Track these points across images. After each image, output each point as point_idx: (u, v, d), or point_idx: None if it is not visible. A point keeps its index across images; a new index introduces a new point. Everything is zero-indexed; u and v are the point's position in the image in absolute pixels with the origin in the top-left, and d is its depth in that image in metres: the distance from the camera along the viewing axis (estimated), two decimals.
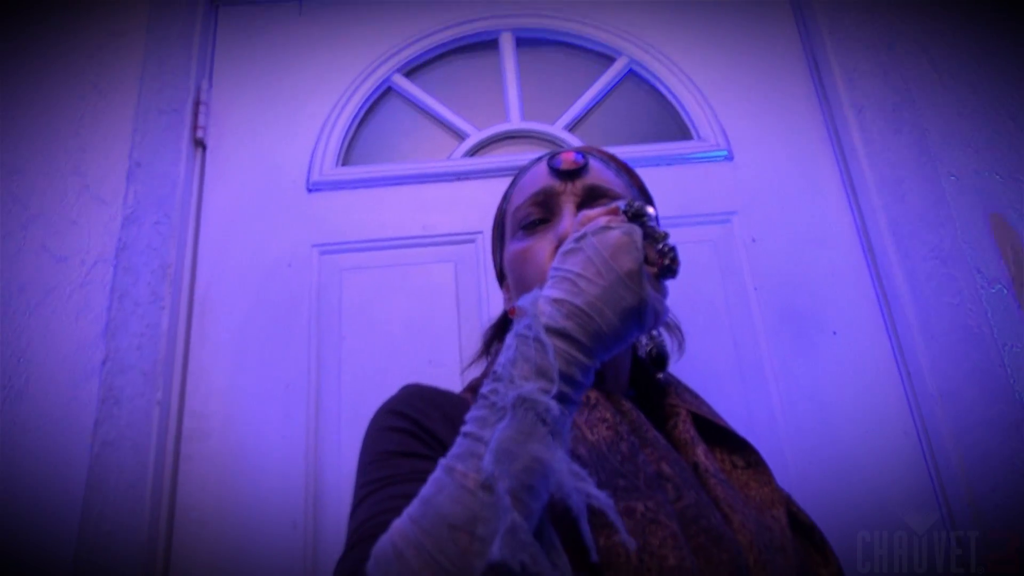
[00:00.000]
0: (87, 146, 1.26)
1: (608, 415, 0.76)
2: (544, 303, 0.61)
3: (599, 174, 0.88)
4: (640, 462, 0.70)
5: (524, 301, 0.62)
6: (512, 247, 0.89)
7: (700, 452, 0.79)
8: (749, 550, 0.69)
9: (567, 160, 0.86)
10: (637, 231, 0.63)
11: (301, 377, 1.30)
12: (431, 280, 1.37)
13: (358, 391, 1.29)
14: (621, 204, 0.67)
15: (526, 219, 0.87)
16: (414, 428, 0.73)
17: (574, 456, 0.69)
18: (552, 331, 0.59)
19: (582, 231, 0.64)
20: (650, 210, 0.66)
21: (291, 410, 1.28)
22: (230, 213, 1.45)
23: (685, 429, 0.82)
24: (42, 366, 1.10)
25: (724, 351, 1.30)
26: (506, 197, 0.97)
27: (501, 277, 0.99)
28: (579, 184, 0.85)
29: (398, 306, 1.35)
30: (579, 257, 0.62)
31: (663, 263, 0.64)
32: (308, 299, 1.36)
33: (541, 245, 0.84)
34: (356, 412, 1.27)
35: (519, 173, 0.95)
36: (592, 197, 0.85)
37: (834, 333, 1.31)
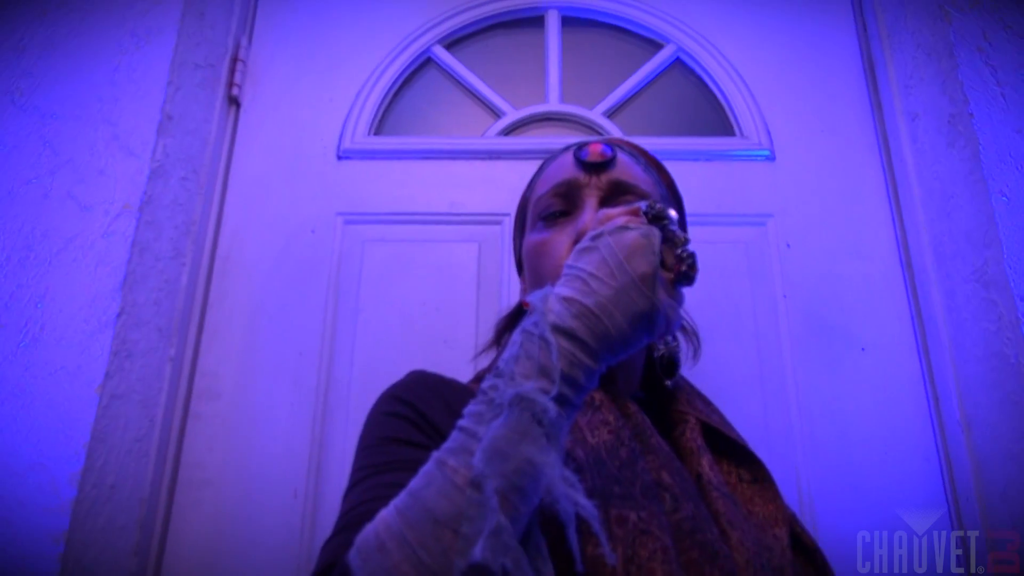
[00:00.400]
0: (120, 96, 1.26)
1: (611, 418, 0.73)
2: (554, 301, 0.59)
3: (626, 169, 0.85)
4: (639, 469, 0.68)
5: (534, 297, 0.60)
6: (531, 238, 0.86)
7: (705, 463, 0.76)
8: (745, 569, 0.66)
9: (594, 152, 0.83)
10: (656, 234, 0.61)
11: (314, 345, 1.29)
12: (454, 259, 1.35)
13: (370, 365, 1.28)
14: (643, 205, 0.64)
15: (546, 210, 0.84)
16: (415, 416, 0.72)
17: (571, 459, 0.67)
18: (559, 330, 0.57)
19: (599, 230, 0.62)
20: (672, 213, 0.64)
21: (302, 378, 1.27)
22: (259, 174, 1.44)
23: (692, 438, 0.80)
24: (59, 314, 1.10)
25: (746, 358, 1.26)
26: (530, 185, 0.95)
27: (520, 266, 0.97)
28: (604, 178, 0.83)
29: (418, 283, 1.33)
30: (594, 256, 0.60)
31: (680, 269, 0.62)
32: (328, 267, 1.35)
33: (560, 239, 0.82)
34: (366, 386, 1.26)
35: (546, 161, 0.93)
36: (617, 192, 0.82)
37: (862, 349, 1.26)
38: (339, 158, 1.44)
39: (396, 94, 1.54)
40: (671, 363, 0.95)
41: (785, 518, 0.75)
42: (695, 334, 1.02)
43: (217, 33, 1.45)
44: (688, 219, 1.34)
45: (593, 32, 1.60)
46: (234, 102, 1.49)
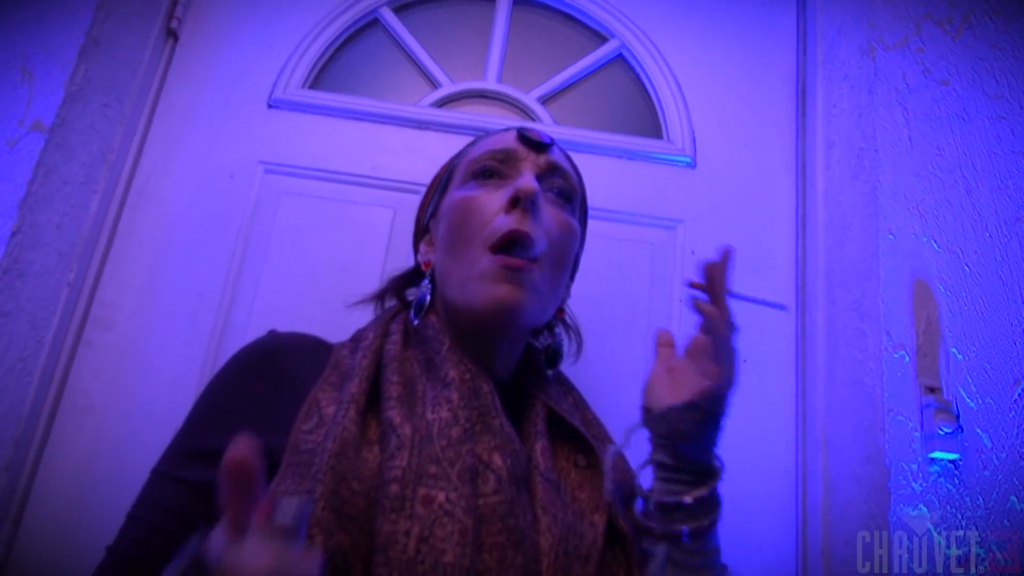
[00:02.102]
0: (46, 13, 1.24)
1: (455, 396, 0.76)
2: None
3: (561, 158, 0.90)
4: (464, 451, 0.71)
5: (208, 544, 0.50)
6: (458, 193, 0.88)
7: (538, 447, 0.80)
8: (547, 553, 0.70)
9: (537, 133, 0.88)
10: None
11: (216, 289, 1.30)
12: (367, 222, 1.36)
13: (269, 316, 1.29)
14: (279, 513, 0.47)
15: (482, 169, 0.87)
16: (249, 394, 0.77)
17: (396, 435, 0.70)
18: None
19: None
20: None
21: (199, 320, 1.29)
22: (186, 110, 1.43)
23: (533, 422, 0.83)
24: None
25: (634, 356, 1.31)
26: (460, 154, 0.96)
27: (423, 230, 0.98)
28: (543, 158, 0.87)
29: (329, 241, 1.34)
30: None
31: None
32: (242, 214, 1.36)
33: (491, 198, 0.84)
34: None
35: (481, 137, 0.95)
36: (550, 173, 0.87)
37: (744, 361, 1.31)
38: (269, 106, 1.44)
39: (338, 50, 1.54)
40: (555, 354, 0.99)
41: (603, 505, 0.79)
42: (577, 332, 1.05)
43: None
44: (602, 215, 1.38)
45: (542, 16, 1.61)
46: (172, 34, 1.47)
